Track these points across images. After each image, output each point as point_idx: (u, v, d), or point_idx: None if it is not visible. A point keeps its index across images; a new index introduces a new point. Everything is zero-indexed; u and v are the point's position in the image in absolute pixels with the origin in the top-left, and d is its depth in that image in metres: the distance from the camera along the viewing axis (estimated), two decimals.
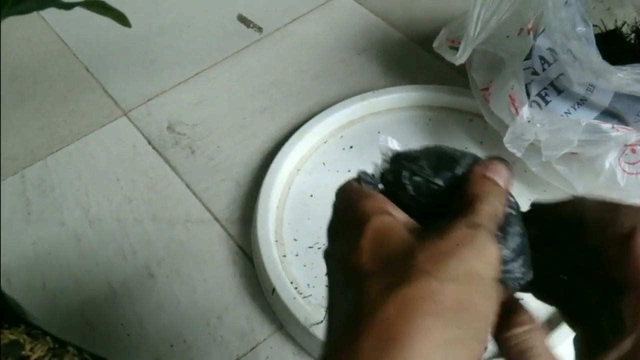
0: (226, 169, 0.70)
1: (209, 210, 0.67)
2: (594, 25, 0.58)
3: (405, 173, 0.30)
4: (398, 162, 0.31)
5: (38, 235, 0.66)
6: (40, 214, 0.68)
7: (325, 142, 0.70)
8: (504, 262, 0.28)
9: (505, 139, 0.58)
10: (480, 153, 0.67)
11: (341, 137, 0.71)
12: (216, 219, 0.66)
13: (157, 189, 0.69)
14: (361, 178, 0.31)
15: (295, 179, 0.67)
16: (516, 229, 0.29)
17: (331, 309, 0.28)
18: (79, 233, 0.66)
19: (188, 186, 0.69)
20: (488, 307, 0.26)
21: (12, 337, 0.56)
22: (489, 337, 0.27)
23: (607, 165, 0.55)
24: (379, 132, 0.71)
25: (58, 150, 0.74)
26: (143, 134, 0.75)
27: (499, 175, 0.30)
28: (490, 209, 0.28)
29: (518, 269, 0.29)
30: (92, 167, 0.72)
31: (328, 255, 0.30)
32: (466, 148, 0.68)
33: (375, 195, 0.29)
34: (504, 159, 0.31)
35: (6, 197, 0.69)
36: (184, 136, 0.74)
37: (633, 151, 0.55)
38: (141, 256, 0.64)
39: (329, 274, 0.29)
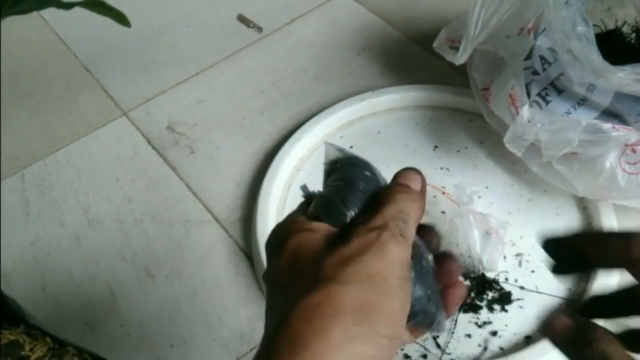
0: (226, 169, 0.70)
1: (208, 211, 0.67)
2: (594, 25, 0.58)
3: (327, 181, 0.33)
4: (328, 170, 0.34)
5: (38, 235, 0.66)
6: (40, 214, 0.68)
7: (325, 142, 0.70)
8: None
9: (505, 139, 0.58)
10: (480, 153, 0.68)
11: (341, 137, 0.71)
12: (216, 219, 0.66)
13: (157, 189, 0.69)
14: (302, 189, 0.33)
15: (295, 179, 0.67)
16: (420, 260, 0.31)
17: (266, 320, 0.31)
18: (79, 233, 0.66)
19: (188, 186, 0.69)
20: (392, 305, 0.28)
21: (11, 337, 0.56)
22: (400, 331, 0.29)
23: (607, 165, 0.55)
24: (378, 132, 0.71)
25: (57, 150, 0.74)
26: (143, 134, 0.75)
27: (411, 181, 0.32)
28: (394, 209, 0.30)
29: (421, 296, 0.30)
30: (91, 167, 0.72)
31: (263, 276, 0.32)
32: (466, 148, 0.68)
33: (297, 217, 0.32)
34: (417, 169, 0.33)
35: (6, 197, 0.69)
36: (184, 136, 0.74)
37: (633, 151, 0.55)
38: (141, 256, 0.64)
39: (266, 296, 0.32)
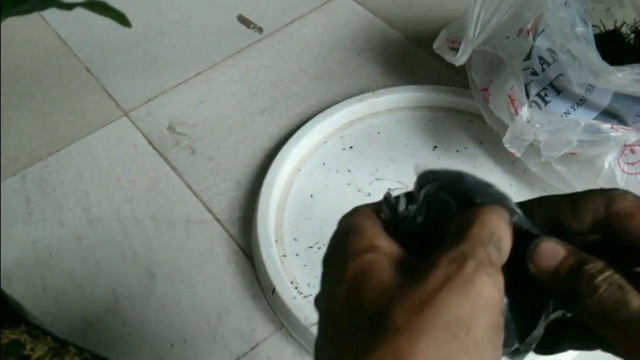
0: (226, 169, 0.70)
1: (209, 210, 0.67)
2: (593, 26, 0.58)
3: (420, 192, 0.27)
4: (420, 182, 0.28)
5: (39, 235, 0.66)
6: (41, 214, 0.68)
7: (325, 143, 0.71)
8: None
9: (504, 139, 0.58)
10: (479, 153, 0.68)
11: (341, 137, 0.71)
12: (216, 219, 0.66)
13: (158, 189, 0.69)
14: (385, 199, 0.27)
15: (295, 179, 0.67)
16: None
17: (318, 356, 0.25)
18: (80, 233, 0.66)
19: (188, 186, 0.69)
20: None
21: (12, 336, 0.56)
22: None
23: (606, 165, 0.55)
24: (378, 132, 0.71)
25: (58, 150, 0.74)
26: (143, 134, 0.75)
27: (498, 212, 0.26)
28: (482, 231, 0.24)
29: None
30: (92, 167, 0.72)
31: (315, 300, 0.27)
32: (466, 148, 0.69)
33: (365, 228, 0.26)
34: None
35: (7, 197, 0.69)
36: (185, 136, 0.74)
37: (632, 151, 0.55)
38: (141, 256, 0.64)
39: (318, 328, 0.26)
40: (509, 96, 0.58)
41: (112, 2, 0.62)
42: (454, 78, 0.75)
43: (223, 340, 0.57)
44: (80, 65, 0.84)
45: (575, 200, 0.27)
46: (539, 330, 0.26)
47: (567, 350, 0.28)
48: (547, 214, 0.27)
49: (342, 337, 0.23)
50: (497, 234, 0.24)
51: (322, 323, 0.25)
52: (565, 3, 0.55)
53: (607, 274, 0.24)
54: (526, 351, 0.26)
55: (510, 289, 0.24)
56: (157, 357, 0.57)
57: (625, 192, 0.26)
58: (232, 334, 0.58)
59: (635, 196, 0.26)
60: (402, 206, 0.27)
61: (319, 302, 0.26)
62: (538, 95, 0.60)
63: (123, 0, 0.64)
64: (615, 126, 0.54)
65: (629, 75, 0.52)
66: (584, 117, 0.58)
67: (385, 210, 0.27)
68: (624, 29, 0.67)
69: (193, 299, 0.60)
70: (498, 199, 0.26)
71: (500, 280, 0.23)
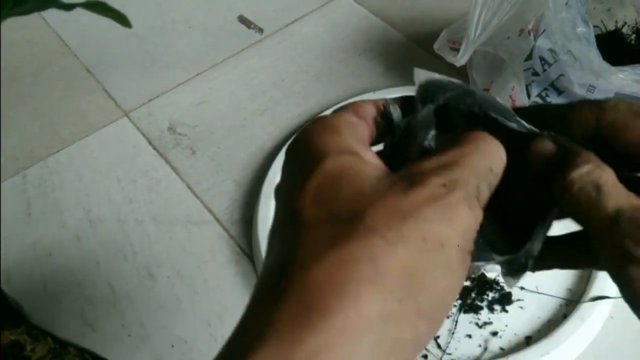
0: (227, 170, 0.70)
1: (209, 211, 0.67)
2: (594, 26, 0.58)
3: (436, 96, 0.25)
4: (423, 94, 0.26)
5: (38, 236, 0.66)
6: (41, 214, 0.68)
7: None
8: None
9: None
10: None
11: None
12: (217, 220, 0.66)
13: (158, 189, 0.69)
14: (384, 106, 0.26)
15: None
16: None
17: (267, 254, 0.24)
18: (80, 233, 0.66)
19: (189, 187, 0.69)
20: (444, 282, 0.21)
21: (12, 337, 0.56)
22: (444, 316, 0.22)
23: None
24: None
25: (59, 150, 0.74)
26: (144, 135, 0.75)
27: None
28: (482, 163, 0.23)
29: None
30: (92, 168, 0.72)
31: (276, 191, 0.26)
32: None
33: (343, 128, 0.24)
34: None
35: (7, 197, 0.69)
36: (185, 137, 0.74)
37: None
38: (142, 257, 0.64)
39: (274, 212, 0.25)
40: (510, 96, 0.58)
41: (112, 2, 0.62)
42: (455, 78, 0.75)
43: (223, 341, 0.57)
44: (80, 66, 0.84)
45: (564, 112, 0.25)
46: (535, 244, 0.25)
47: (552, 268, 0.27)
48: (534, 124, 0.26)
49: (299, 232, 0.22)
50: (495, 171, 0.23)
51: (280, 219, 0.24)
52: (567, 3, 0.55)
53: (585, 169, 0.23)
54: (525, 266, 0.25)
55: (507, 196, 0.24)
56: (157, 358, 0.57)
57: (618, 101, 0.24)
58: None
59: (628, 104, 0.24)
60: (394, 113, 0.26)
61: (279, 192, 0.25)
62: (539, 95, 0.60)
63: (123, 0, 0.64)
64: None
65: (630, 76, 0.52)
66: None
67: (380, 120, 0.25)
68: (625, 30, 0.67)
69: (193, 299, 0.60)
70: (509, 116, 0.25)
71: (479, 215, 0.23)
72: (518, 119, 0.26)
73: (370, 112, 0.26)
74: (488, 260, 0.24)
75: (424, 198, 0.21)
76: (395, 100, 0.27)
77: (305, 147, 0.24)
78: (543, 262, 0.26)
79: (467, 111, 0.26)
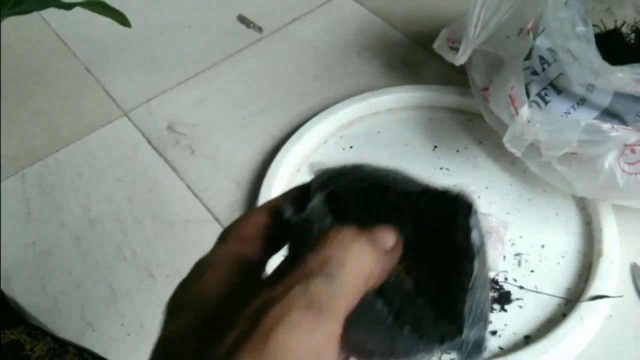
0: (226, 169, 0.70)
1: (209, 211, 0.67)
2: (593, 25, 0.58)
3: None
4: (315, 185, 0.27)
5: (38, 235, 0.66)
6: (41, 214, 0.68)
7: (325, 142, 0.71)
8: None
9: (504, 139, 0.58)
10: (479, 153, 0.68)
11: (341, 137, 0.71)
12: (216, 219, 0.66)
13: (157, 189, 0.69)
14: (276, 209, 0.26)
15: (295, 180, 0.67)
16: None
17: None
18: (79, 233, 0.66)
19: (188, 186, 0.69)
20: None
21: (12, 337, 0.56)
22: None
23: (606, 165, 0.55)
24: (378, 132, 0.71)
25: (58, 150, 0.74)
26: (143, 134, 0.75)
27: (382, 240, 0.22)
28: (316, 260, 0.20)
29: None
30: (92, 167, 0.72)
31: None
32: (466, 148, 0.68)
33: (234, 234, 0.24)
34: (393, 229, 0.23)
35: (6, 197, 0.69)
36: (184, 136, 0.74)
37: (633, 151, 0.55)
38: (141, 256, 0.64)
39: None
40: (509, 96, 0.58)
41: (112, 2, 0.62)
42: (455, 78, 0.75)
43: None
44: (80, 65, 0.84)
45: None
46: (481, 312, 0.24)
47: None
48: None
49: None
50: (337, 258, 0.20)
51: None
52: (566, 3, 0.55)
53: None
54: (479, 345, 0.24)
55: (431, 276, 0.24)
56: None
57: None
58: None
59: None
60: (287, 212, 0.26)
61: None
62: (538, 95, 0.60)
63: (123, 0, 0.64)
64: (615, 126, 0.54)
65: (630, 75, 0.52)
66: (585, 117, 0.58)
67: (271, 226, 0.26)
68: (624, 29, 0.67)
69: None
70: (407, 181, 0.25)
71: (327, 327, 0.18)
72: (416, 179, 0.26)
73: (254, 231, 0.25)
74: (432, 350, 0.23)
75: (231, 342, 0.19)
76: (294, 195, 0.26)
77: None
78: None
79: (360, 188, 0.26)
